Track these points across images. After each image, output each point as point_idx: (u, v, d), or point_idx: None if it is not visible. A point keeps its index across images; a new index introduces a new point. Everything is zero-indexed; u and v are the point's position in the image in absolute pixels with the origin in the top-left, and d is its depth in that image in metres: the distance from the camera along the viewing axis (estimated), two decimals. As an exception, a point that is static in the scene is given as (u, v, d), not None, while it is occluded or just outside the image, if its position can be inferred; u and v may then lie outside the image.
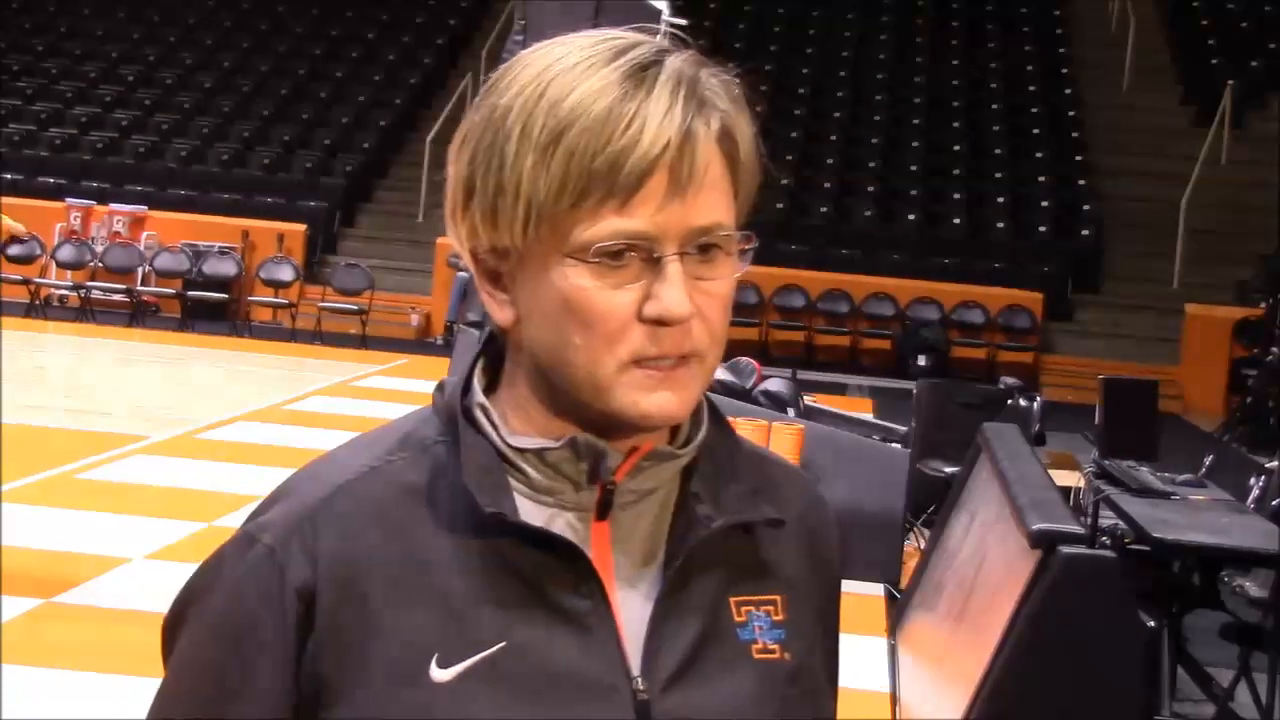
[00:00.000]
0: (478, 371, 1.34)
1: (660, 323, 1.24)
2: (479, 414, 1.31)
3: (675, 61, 1.26)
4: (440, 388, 1.35)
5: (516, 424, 1.31)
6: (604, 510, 1.30)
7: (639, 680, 1.27)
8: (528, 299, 1.28)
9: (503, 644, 1.25)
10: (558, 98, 1.24)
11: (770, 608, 1.34)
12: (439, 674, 1.24)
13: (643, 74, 1.24)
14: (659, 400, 1.25)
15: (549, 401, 1.30)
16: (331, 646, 1.26)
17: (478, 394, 1.32)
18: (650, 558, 1.31)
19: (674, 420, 1.28)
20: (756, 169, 1.29)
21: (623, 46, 1.26)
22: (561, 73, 1.25)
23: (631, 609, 1.29)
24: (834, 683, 1.44)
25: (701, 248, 1.25)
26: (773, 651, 1.32)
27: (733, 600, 1.32)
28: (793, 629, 1.34)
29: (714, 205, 1.26)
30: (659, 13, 7.20)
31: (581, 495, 1.30)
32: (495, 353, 1.35)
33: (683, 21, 6.97)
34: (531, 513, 1.28)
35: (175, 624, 1.34)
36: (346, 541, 1.27)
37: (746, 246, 1.29)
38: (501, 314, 1.30)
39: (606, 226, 1.23)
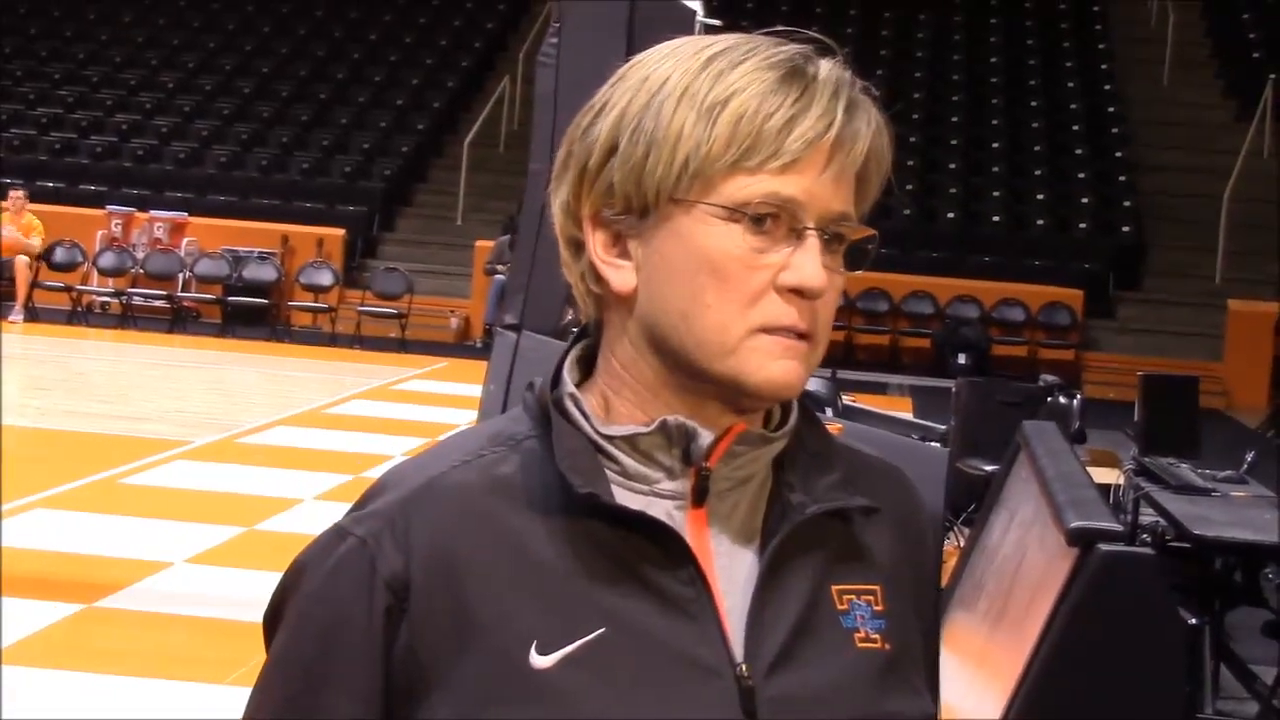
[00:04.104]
0: (568, 365, 1.35)
1: (796, 292, 1.26)
2: (570, 405, 1.32)
3: (829, 62, 1.30)
4: (530, 387, 1.36)
5: (610, 412, 1.32)
6: (700, 497, 1.30)
7: (743, 666, 1.26)
8: (657, 259, 1.29)
9: (603, 630, 1.25)
10: (722, 70, 1.27)
11: (871, 597, 1.34)
12: (539, 660, 1.24)
13: (804, 63, 1.28)
14: (781, 368, 1.27)
15: (654, 376, 1.30)
16: (428, 636, 1.26)
17: (568, 385, 1.33)
18: (747, 545, 1.32)
19: (790, 392, 1.29)
20: (880, 188, 1.33)
21: (775, 42, 1.31)
22: (721, 53, 1.28)
23: (731, 595, 1.29)
24: (934, 675, 1.43)
25: (831, 236, 1.29)
26: (875, 641, 1.33)
27: (834, 588, 1.33)
28: (893, 618, 1.35)
29: (849, 198, 1.30)
30: (693, 13, 7.19)
31: (677, 483, 1.30)
32: (587, 348, 1.36)
33: (717, 23, 6.95)
34: (627, 501, 1.29)
35: (273, 618, 1.35)
36: (440, 532, 1.28)
37: (869, 246, 1.32)
38: (620, 280, 1.30)
39: (763, 186, 1.25)
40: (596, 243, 1.31)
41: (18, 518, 8.39)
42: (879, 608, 1.34)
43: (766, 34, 1.32)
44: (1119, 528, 4.17)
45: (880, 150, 1.31)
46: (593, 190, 1.30)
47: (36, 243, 19.19)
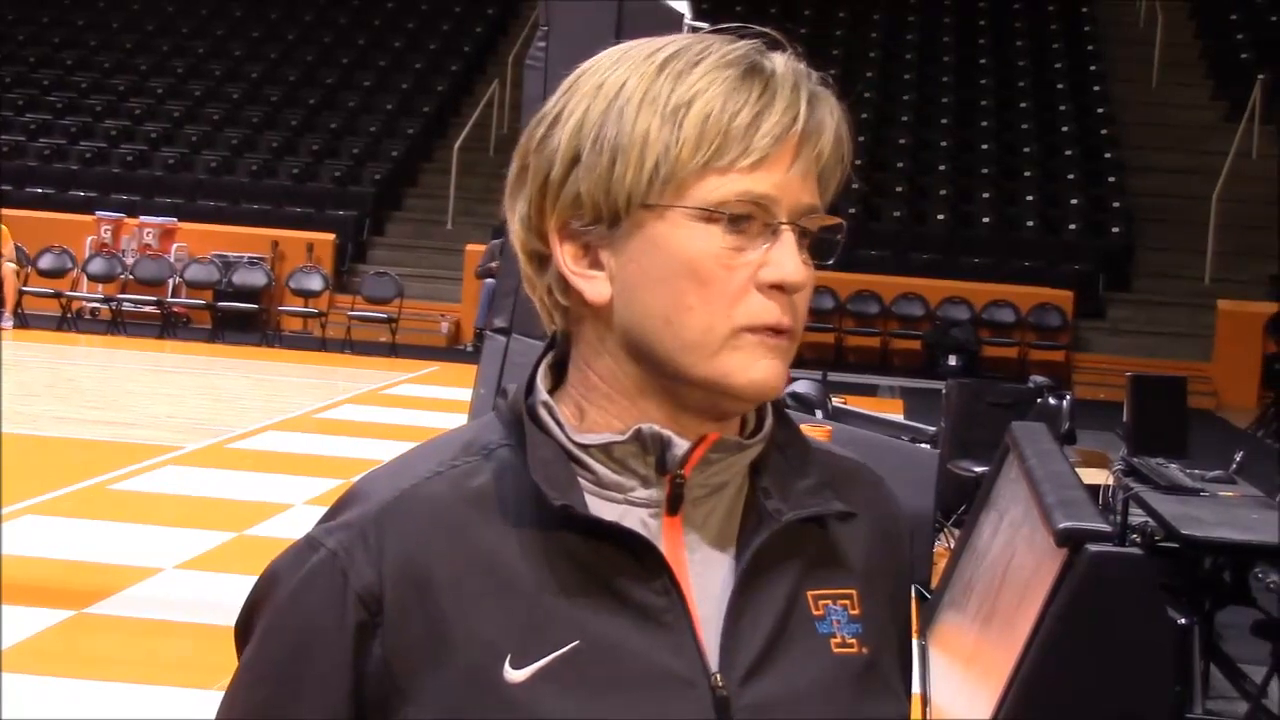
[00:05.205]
0: (541, 373, 1.34)
1: (777, 288, 1.26)
2: (543, 413, 1.31)
3: (783, 56, 1.30)
4: (503, 394, 1.35)
5: (585, 419, 1.31)
6: (674, 505, 1.29)
7: (717, 676, 1.26)
8: (632, 267, 1.27)
9: (576, 642, 1.24)
10: (680, 71, 1.26)
11: (847, 601, 1.34)
12: (513, 674, 1.23)
13: (761, 59, 1.28)
14: (764, 369, 1.26)
15: (634, 384, 1.29)
16: (402, 650, 1.26)
17: (541, 394, 1.32)
18: (722, 553, 1.31)
19: (773, 393, 1.29)
20: (843, 177, 1.32)
21: (726, 39, 1.30)
22: (675, 54, 1.27)
23: (706, 604, 1.28)
24: (907, 677, 1.43)
25: (802, 230, 1.28)
26: (851, 645, 1.32)
27: (810, 594, 1.32)
28: (868, 623, 1.34)
29: (816, 189, 1.29)
30: (681, 16, 7.20)
31: (651, 491, 1.29)
32: (558, 356, 1.35)
33: (704, 25, 6.95)
34: (601, 510, 1.28)
35: (243, 629, 1.35)
36: (413, 544, 1.27)
37: (837, 237, 1.31)
38: (595, 291, 1.29)
39: (736, 185, 1.25)
40: (566, 255, 1.30)
41: (9, 524, 8.38)
42: (855, 611, 1.34)
43: (715, 31, 1.31)
44: (1108, 528, 4.17)
45: (844, 139, 1.30)
46: (558, 202, 1.29)
47: (9, 249, 19.04)
